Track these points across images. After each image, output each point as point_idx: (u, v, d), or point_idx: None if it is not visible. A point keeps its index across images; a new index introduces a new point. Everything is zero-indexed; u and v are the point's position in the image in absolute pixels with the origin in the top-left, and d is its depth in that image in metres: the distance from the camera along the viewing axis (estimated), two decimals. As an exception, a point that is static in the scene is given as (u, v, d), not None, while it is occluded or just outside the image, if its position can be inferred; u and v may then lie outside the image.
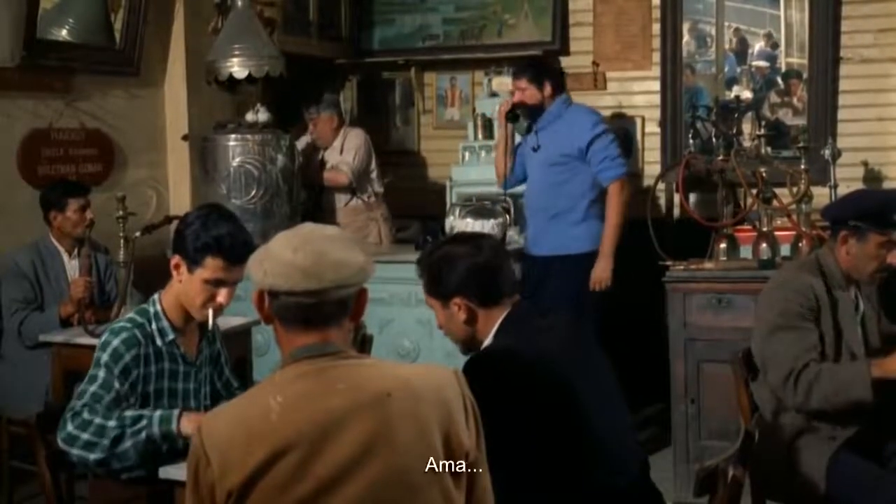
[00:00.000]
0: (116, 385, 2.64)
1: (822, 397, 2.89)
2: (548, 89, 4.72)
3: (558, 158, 4.66)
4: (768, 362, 3.01)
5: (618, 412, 2.51)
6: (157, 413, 2.61)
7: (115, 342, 2.67)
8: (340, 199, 5.66)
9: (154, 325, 2.73)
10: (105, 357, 2.65)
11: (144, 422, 2.59)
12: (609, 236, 4.60)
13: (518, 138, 4.99)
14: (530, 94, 4.72)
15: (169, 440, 2.59)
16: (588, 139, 4.62)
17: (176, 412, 2.62)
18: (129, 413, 2.61)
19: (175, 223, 4.15)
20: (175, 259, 2.71)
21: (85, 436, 2.55)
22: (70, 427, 2.57)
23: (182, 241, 2.69)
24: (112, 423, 2.56)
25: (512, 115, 4.82)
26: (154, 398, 2.71)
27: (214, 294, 2.69)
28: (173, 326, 2.75)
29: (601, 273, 4.58)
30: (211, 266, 2.65)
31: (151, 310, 2.76)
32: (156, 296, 2.79)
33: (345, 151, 5.60)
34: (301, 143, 5.82)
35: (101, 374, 2.64)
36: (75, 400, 2.63)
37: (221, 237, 2.65)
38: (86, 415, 2.58)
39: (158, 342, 2.73)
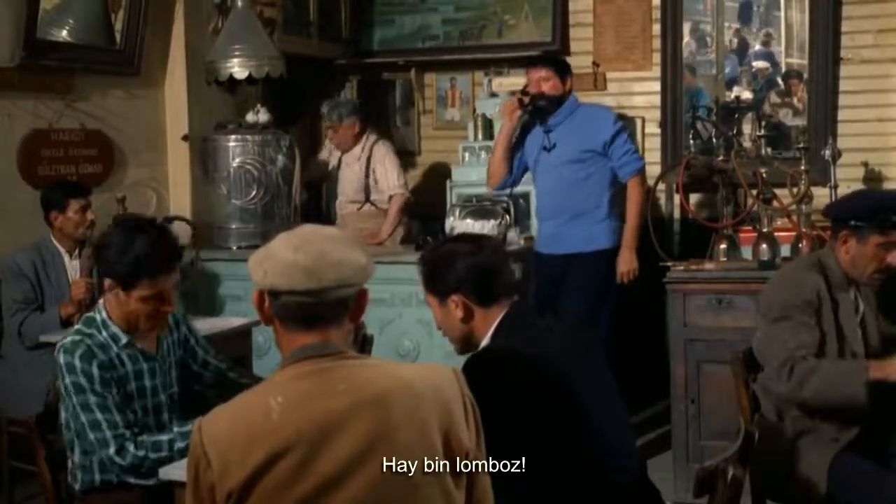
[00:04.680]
0: (110, 399, 2.63)
1: (815, 390, 2.88)
2: (568, 84, 4.67)
3: (579, 155, 4.58)
4: (765, 351, 3.01)
5: (617, 411, 2.52)
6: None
7: (77, 362, 2.62)
8: (353, 206, 5.66)
9: (105, 334, 2.71)
10: (81, 380, 2.61)
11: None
12: (632, 229, 4.59)
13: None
14: (553, 84, 4.60)
15: None
16: (612, 133, 4.59)
17: None
18: (176, 430, 2.63)
19: (175, 224, 4.20)
20: (108, 283, 2.69)
21: (148, 463, 2.58)
22: (128, 460, 2.58)
23: (108, 265, 2.68)
24: (164, 454, 2.58)
25: (532, 107, 4.60)
26: (126, 401, 2.70)
27: (158, 306, 2.68)
28: (123, 331, 2.72)
29: (627, 265, 4.57)
30: (144, 286, 2.64)
31: (98, 318, 2.73)
32: (100, 303, 2.77)
33: (379, 171, 5.57)
34: (324, 154, 5.85)
35: (91, 398, 2.61)
36: (97, 432, 2.60)
37: (141, 257, 2.63)
38: (129, 446, 2.59)
39: (114, 349, 2.71)
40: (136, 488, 2.66)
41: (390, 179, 5.57)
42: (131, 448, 2.58)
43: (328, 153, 5.88)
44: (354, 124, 5.62)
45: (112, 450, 2.57)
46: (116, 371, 2.70)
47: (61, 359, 2.65)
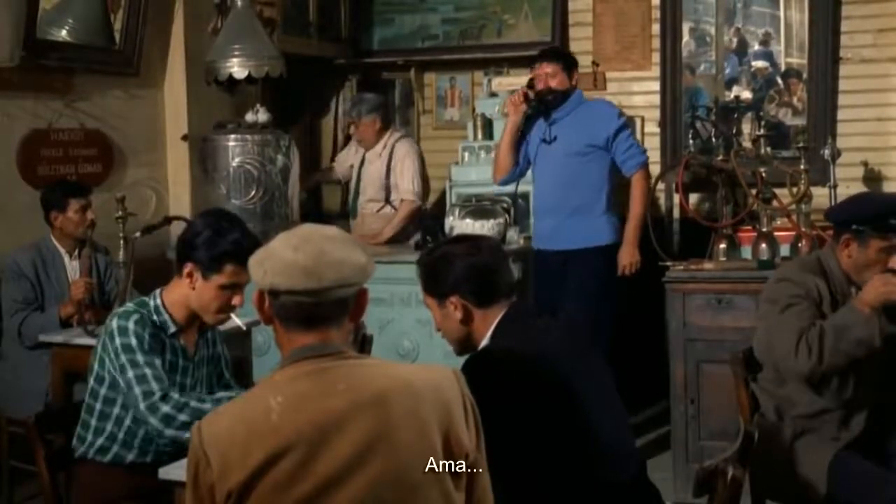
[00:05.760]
0: (157, 360, 2.69)
1: (830, 349, 2.88)
2: (574, 78, 4.69)
3: (581, 148, 4.59)
4: (778, 339, 2.98)
5: (616, 411, 2.52)
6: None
7: (131, 325, 2.69)
8: (373, 205, 5.60)
9: (156, 318, 2.77)
10: (133, 341, 2.67)
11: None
12: (634, 223, 4.59)
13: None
14: (560, 80, 4.62)
15: None
16: (616, 128, 4.60)
17: None
18: (221, 394, 2.75)
19: (174, 224, 4.20)
20: (188, 267, 2.73)
21: (182, 416, 2.61)
22: (166, 408, 2.61)
23: (194, 249, 2.72)
24: (207, 406, 2.61)
25: (537, 102, 4.62)
26: None
27: (229, 298, 2.74)
28: (174, 321, 2.78)
29: (628, 259, 4.57)
30: (228, 272, 2.70)
31: (152, 303, 2.79)
32: (156, 291, 2.82)
33: (397, 171, 5.49)
34: (346, 156, 5.81)
35: (140, 357, 2.66)
36: (143, 385, 2.63)
37: (237, 242, 2.70)
38: (176, 396, 2.64)
39: (161, 333, 2.77)
40: (130, 473, 2.72)
41: (405, 183, 5.49)
42: (174, 394, 2.64)
43: (353, 151, 5.81)
44: (375, 121, 5.54)
45: (157, 396, 2.62)
46: (161, 348, 2.76)
47: (114, 323, 2.71)
